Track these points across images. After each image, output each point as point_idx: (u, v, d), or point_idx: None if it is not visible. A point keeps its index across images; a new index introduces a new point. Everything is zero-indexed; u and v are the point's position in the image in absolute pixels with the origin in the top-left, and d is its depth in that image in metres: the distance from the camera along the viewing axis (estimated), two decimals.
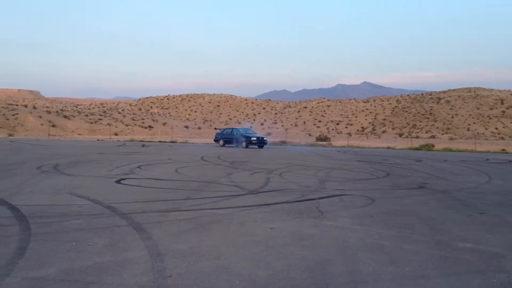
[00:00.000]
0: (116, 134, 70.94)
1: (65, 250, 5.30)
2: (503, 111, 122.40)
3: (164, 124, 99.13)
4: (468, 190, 11.81)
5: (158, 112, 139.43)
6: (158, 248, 5.41)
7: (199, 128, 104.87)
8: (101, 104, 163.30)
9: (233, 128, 36.63)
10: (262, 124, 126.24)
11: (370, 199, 9.66)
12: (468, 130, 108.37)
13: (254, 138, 33.81)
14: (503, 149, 41.07)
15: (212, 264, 4.86)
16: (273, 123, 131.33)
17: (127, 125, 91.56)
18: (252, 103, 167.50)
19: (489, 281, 4.54)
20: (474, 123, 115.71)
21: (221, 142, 35.29)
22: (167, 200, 8.95)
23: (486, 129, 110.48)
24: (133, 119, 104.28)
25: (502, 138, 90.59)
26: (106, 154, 22.50)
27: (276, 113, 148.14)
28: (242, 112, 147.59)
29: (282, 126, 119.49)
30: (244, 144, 33.03)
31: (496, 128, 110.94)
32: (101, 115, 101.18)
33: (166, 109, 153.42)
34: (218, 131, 38.13)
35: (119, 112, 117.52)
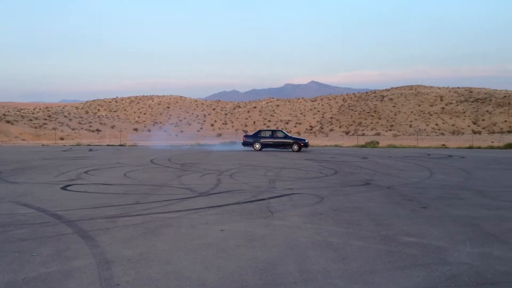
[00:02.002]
0: (62, 139, 68.60)
1: (7, 261, 5.08)
2: (443, 108, 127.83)
3: (113, 127, 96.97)
4: (411, 185, 12.25)
5: (106, 115, 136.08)
6: (105, 256, 5.28)
7: (149, 131, 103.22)
8: (46, 108, 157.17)
9: (273, 130, 32.22)
10: (212, 125, 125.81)
11: (319, 197, 9.84)
12: (411, 126, 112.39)
13: (307, 142, 31.37)
14: (443, 144, 42.91)
15: (162, 270, 4.80)
16: (223, 123, 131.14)
17: (73, 129, 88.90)
18: (202, 104, 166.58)
19: (433, 274, 4.72)
20: (416, 119, 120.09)
21: (257, 145, 31.05)
22: (115, 206, 8.75)
23: (427, 125, 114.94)
24: (80, 123, 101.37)
25: (442, 134, 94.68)
26: (51, 160, 21.74)
27: (226, 114, 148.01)
28: (192, 113, 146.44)
29: (232, 126, 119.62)
30: (296, 147, 30.13)
31: (437, 124, 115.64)
32: (46, 119, 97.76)
33: (114, 111, 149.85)
34: (246, 133, 33.87)
35: (65, 116, 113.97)
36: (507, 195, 10.49)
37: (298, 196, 10.03)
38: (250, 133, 33.28)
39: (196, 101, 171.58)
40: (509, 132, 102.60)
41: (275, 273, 4.73)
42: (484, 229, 6.86)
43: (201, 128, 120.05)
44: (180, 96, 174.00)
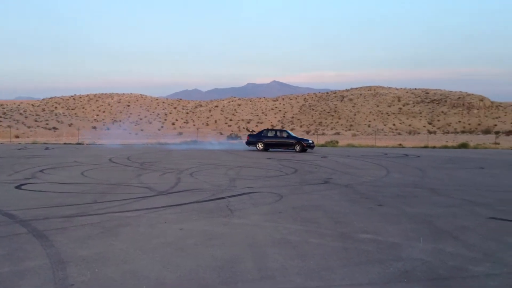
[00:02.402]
0: (17, 137, 66.33)
1: None
2: (400, 108, 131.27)
3: (70, 125, 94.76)
4: (368, 183, 12.53)
5: (63, 113, 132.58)
6: (60, 256, 5.17)
7: (108, 129, 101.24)
8: (1, 105, 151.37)
9: (276, 130, 31.18)
10: (173, 123, 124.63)
11: (279, 196, 9.92)
12: (369, 126, 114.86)
13: (311, 142, 29.84)
14: (400, 144, 44.05)
15: (119, 270, 4.73)
16: (184, 122, 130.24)
17: (29, 127, 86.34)
18: (163, 102, 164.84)
19: (387, 270, 4.85)
20: (374, 119, 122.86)
21: (260, 145, 29.86)
22: (71, 205, 8.56)
23: (385, 125, 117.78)
24: (36, 121, 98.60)
25: (399, 134, 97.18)
26: (5, 158, 21.01)
27: (187, 113, 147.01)
28: (153, 112, 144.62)
29: (194, 125, 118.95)
30: (298, 148, 28.79)
31: (394, 124, 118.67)
32: (0, 116, 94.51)
33: (72, 109, 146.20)
34: (251, 132, 32.26)
35: (21, 114, 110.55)
36: (459, 193, 10.88)
37: (258, 195, 10.08)
38: (256, 132, 31.98)
39: (157, 99, 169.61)
40: (463, 132, 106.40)
41: (234, 271, 4.75)
42: (437, 226, 7.10)
43: (162, 126, 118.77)
44: (141, 95, 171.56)
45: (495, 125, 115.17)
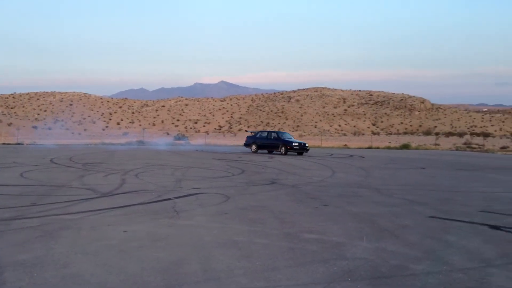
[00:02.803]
0: None
1: None
2: (345, 110, 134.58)
3: (9, 124, 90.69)
4: (314, 183, 12.75)
5: (2, 112, 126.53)
6: None
7: (50, 129, 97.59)
8: None
9: (269, 131, 30.70)
10: (118, 123, 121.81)
11: (225, 197, 9.91)
12: (315, 127, 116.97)
13: (296, 144, 28.12)
14: (345, 145, 45.20)
15: (59, 274, 4.56)
16: (130, 122, 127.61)
17: None
18: (108, 101, 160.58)
19: (331, 269, 4.93)
20: (321, 120, 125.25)
21: (253, 147, 29.64)
22: (9, 208, 8.17)
23: (331, 126, 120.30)
24: None
25: (344, 134, 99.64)
26: None
27: (133, 112, 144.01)
28: (97, 111, 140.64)
29: (140, 125, 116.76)
30: (283, 150, 27.71)
31: (339, 125, 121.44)
32: None
33: (11, 108, 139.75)
34: (249, 134, 31.59)
35: None
36: (400, 192, 11.28)
37: (204, 196, 10.03)
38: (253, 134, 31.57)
39: (101, 98, 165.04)
40: (405, 133, 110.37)
41: (179, 273, 4.69)
42: (379, 225, 7.31)
43: (107, 126, 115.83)
44: (84, 93, 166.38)
45: (435, 126, 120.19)
